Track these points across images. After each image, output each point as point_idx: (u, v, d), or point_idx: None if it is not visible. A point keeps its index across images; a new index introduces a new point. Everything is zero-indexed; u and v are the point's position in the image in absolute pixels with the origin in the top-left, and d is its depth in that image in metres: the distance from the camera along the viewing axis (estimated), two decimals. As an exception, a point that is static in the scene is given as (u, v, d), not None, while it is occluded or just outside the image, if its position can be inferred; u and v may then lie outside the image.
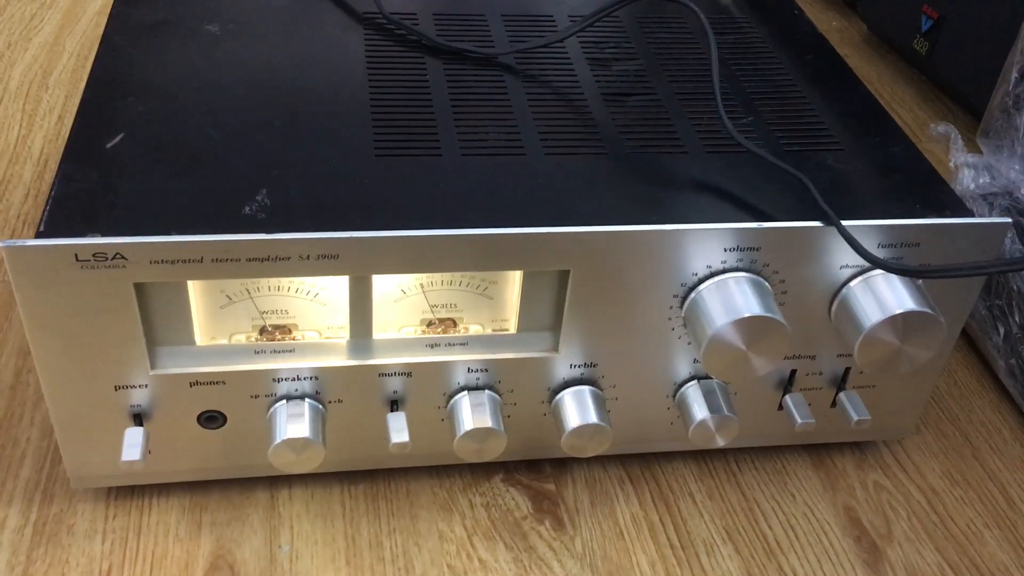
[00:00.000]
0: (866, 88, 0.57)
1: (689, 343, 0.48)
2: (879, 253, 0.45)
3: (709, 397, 0.48)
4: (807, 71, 0.58)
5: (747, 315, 0.43)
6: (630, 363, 0.48)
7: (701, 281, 0.45)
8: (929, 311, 0.44)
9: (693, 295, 0.45)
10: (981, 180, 0.60)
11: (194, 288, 0.43)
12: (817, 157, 0.50)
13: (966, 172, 0.61)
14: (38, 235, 0.40)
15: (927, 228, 0.46)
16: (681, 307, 0.46)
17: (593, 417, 0.47)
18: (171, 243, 0.40)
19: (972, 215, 0.46)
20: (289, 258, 0.41)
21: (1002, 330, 0.58)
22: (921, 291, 0.45)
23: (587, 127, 0.51)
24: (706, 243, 0.44)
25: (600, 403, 0.48)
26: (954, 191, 0.49)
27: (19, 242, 0.39)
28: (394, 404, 0.47)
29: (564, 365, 0.48)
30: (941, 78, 0.86)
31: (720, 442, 0.49)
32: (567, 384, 0.48)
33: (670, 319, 0.46)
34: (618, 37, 0.59)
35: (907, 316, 0.44)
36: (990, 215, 0.58)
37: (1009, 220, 0.46)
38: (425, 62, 0.54)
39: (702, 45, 0.59)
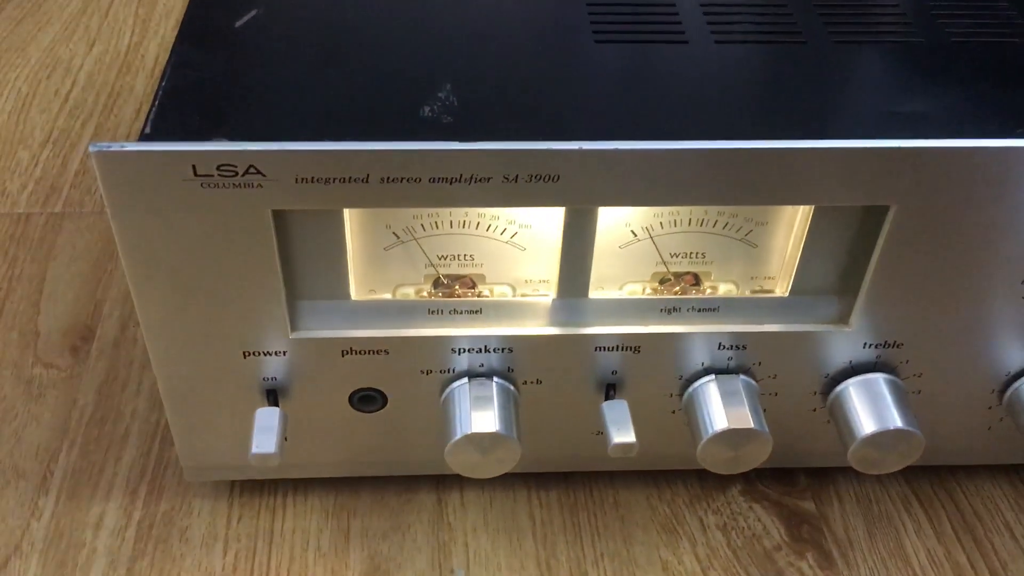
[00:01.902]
0: None
1: (1044, 319, 0.33)
2: None
3: (1064, 397, 0.34)
4: None
5: None
6: (949, 345, 0.34)
7: (1088, 228, 0.30)
8: None
9: (1068, 249, 0.31)
10: None
11: (352, 221, 0.31)
12: None
13: None
14: (143, 138, 0.28)
15: None
16: (1046, 266, 0.31)
17: (896, 420, 0.33)
18: (325, 152, 0.28)
19: None
20: (490, 179, 0.29)
21: None
22: None
23: (893, 5, 0.36)
24: (1108, 171, 0.29)
25: (902, 399, 0.34)
26: None
27: (115, 146, 0.27)
28: (610, 389, 0.35)
29: (855, 344, 0.34)
30: None
31: (1076, 461, 0.34)
32: (855, 370, 0.34)
33: (1024, 283, 0.32)
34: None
35: None
36: None
37: None
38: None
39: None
